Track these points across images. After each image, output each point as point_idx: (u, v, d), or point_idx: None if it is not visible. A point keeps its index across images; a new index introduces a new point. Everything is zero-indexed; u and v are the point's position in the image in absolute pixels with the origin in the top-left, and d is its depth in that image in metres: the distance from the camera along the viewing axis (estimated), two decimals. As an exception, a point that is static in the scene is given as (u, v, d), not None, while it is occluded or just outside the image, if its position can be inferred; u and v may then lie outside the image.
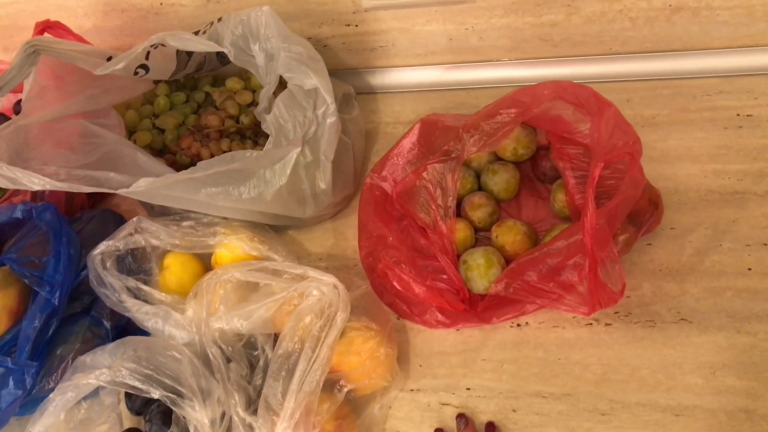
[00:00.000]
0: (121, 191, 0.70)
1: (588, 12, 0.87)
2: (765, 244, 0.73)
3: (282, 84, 0.78)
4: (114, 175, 0.71)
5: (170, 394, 0.63)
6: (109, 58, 0.79)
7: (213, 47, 0.76)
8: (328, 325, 0.63)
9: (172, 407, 0.63)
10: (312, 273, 0.66)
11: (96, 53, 0.78)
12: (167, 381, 0.63)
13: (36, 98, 0.74)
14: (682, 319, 0.70)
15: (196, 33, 0.81)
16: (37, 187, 0.67)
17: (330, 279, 0.65)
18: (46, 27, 0.81)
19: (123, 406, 0.73)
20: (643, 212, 0.74)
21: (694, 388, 0.66)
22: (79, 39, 0.86)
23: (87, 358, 0.69)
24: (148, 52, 0.79)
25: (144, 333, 0.76)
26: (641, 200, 0.74)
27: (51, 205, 0.77)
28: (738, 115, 0.84)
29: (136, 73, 0.80)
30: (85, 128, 0.78)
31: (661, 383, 0.67)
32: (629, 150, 0.65)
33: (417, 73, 0.99)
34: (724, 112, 0.85)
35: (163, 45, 0.78)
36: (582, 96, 0.72)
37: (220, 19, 0.79)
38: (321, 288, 0.65)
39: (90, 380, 0.64)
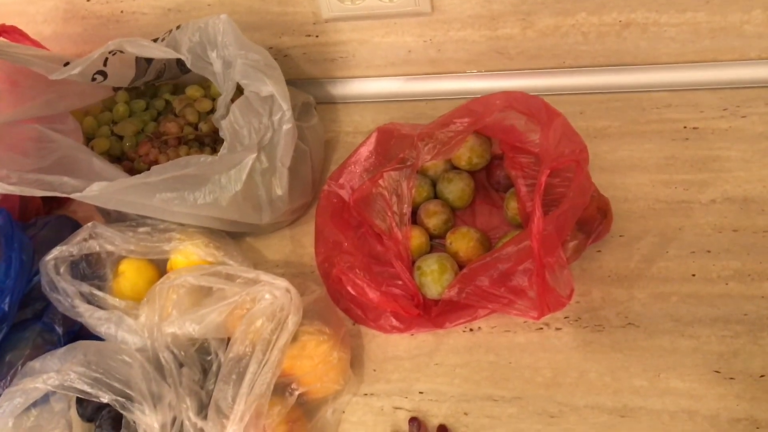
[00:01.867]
0: (74, 195, 0.69)
1: (542, 26, 0.89)
2: (708, 251, 0.76)
3: (240, 91, 0.78)
4: (67, 179, 0.71)
5: (120, 398, 0.62)
6: (66, 64, 0.79)
7: (170, 54, 0.76)
8: (279, 329, 0.63)
9: (122, 411, 0.62)
10: (264, 277, 0.67)
11: (53, 58, 0.78)
12: (117, 385, 0.63)
13: (-11, 102, 0.74)
14: (629, 323, 0.72)
15: (155, 40, 0.81)
16: (-14, 191, 0.67)
17: (282, 283, 0.66)
18: (1, 31, 0.81)
19: (74, 413, 0.72)
20: (592, 220, 0.76)
21: (640, 390, 0.68)
22: (36, 44, 0.86)
23: (36, 363, 0.68)
24: (106, 59, 0.79)
25: (97, 339, 0.75)
26: (590, 208, 0.76)
27: (2, 209, 0.76)
28: (685, 127, 0.87)
29: (93, 79, 0.81)
30: (40, 133, 0.78)
31: (608, 386, 0.68)
32: (575, 157, 0.67)
33: (377, 84, 1.00)
34: (672, 124, 0.88)
35: (121, 51, 0.79)
36: (533, 106, 0.74)
37: (178, 27, 0.80)
38: (273, 292, 0.65)
39: (37, 384, 0.63)
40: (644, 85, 0.92)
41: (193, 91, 0.93)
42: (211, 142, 0.89)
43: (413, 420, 0.68)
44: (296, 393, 0.65)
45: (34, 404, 0.68)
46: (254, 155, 0.73)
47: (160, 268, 0.80)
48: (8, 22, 0.87)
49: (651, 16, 0.86)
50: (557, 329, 0.73)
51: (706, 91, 0.90)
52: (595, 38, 0.90)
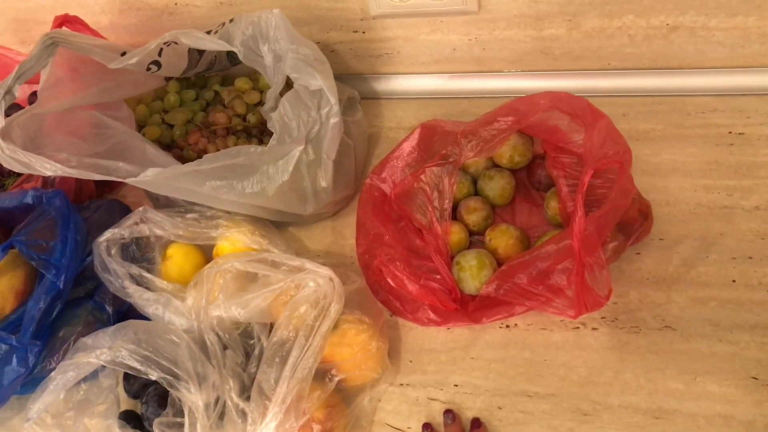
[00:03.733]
0: (129, 180, 0.72)
1: (588, 27, 0.89)
2: (750, 258, 0.75)
3: (288, 85, 0.80)
4: (123, 164, 0.74)
5: (167, 376, 0.65)
6: (124, 53, 0.82)
7: (224, 46, 0.79)
8: (322, 316, 0.65)
9: (169, 388, 0.65)
10: (309, 265, 0.69)
11: (111, 48, 0.81)
12: (165, 363, 0.65)
13: (51, 88, 0.77)
14: (666, 326, 0.73)
15: (208, 32, 0.84)
16: (49, 173, 0.70)
17: (326, 271, 0.68)
18: (64, 21, 0.84)
19: (121, 389, 0.76)
20: (632, 222, 0.76)
21: (675, 392, 0.68)
22: (96, 34, 0.89)
23: (88, 339, 0.71)
24: (161, 49, 0.82)
25: (144, 319, 0.78)
26: (631, 210, 0.76)
27: (60, 191, 0.80)
28: (730, 132, 0.86)
29: (148, 69, 0.83)
30: (97, 119, 0.81)
31: (643, 387, 0.69)
32: (619, 159, 0.68)
33: (420, 81, 1.01)
34: (716, 129, 0.87)
35: (175, 42, 0.81)
36: (577, 107, 0.74)
37: (231, 20, 0.82)
38: (317, 280, 0.67)
39: (91, 359, 0.66)
40: (689, 89, 0.92)
41: (241, 83, 0.95)
42: (258, 133, 0.91)
43: (448, 412, 0.70)
44: (336, 379, 0.67)
45: (84, 379, 0.71)
46: (302, 147, 0.75)
47: (207, 253, 0.83)
48: (68, 12, 0.90)
49: (700, 19, 0.86)
50: (593, 329, 0.74)
51: (753, 97, 0.89)
52: (642, 41, 0.90)
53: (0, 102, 0.67)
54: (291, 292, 0.68)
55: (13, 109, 0.90)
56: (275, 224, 0.86)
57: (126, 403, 0.76)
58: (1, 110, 0.67)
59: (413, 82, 1.02)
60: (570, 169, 0.78)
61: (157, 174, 0.71)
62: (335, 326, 0.68)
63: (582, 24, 0.89)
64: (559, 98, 0.75)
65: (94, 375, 0.73)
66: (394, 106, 1.02)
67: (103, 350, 0.66)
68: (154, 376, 0.65)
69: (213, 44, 0.79)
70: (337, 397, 0.68)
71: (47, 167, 0.70)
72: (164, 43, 0.81)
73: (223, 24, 0.83)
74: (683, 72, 0.92)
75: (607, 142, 0.69)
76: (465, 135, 0.78)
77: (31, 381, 0.75)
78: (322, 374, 0.67)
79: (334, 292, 0.66)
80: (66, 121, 0.78)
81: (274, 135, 0.75)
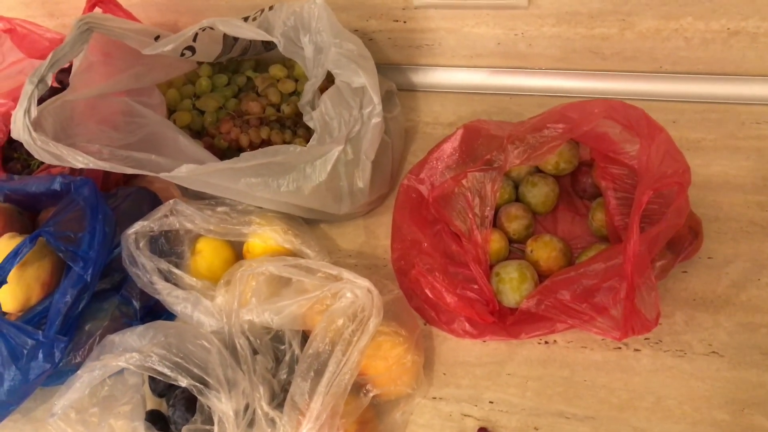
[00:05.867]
0: (162, 175, 0.70)
1: (642, 28, 0.85)
2: (805, 283, 0.72)
3: (327, 78, 0.77)
4: (156, 157, 0.71)
5: (197, 384, 0.63)
6: (157, 37, 0.79)
7: (263, 36, 0.75)
8: (360, 330, 0.62)
9: (198, 396, 0.63)
10: (346, 275, 0.66)
11: (145, 32, 0.78)
12: (195, 370, 0.63)
13: (84, 73, 0.74)
14: (713, 351, 0.70)
15: (246, 19, 0.80)
16: (80, 165, 0.67)
17: (364, 283, 0.65)
18: (97, 1, 0.81)
19: (146, 387, 0.74)
20: (682, 239, 0.73)
21: (721, 424, 0.65)
22: (129, 15, 0.86)
23: (116, 337, 0.69)
24: (196, 34, 0.78)
25: (170, 315, 0.76)
26: (682, 227, 0.72)
27: (89, 180, 0.77)
28: (788, 146, 0.82)
29: (182, 54, 0.80)
30: (129, 107, 0.78)
31: (688, 416, 0.66)
32: (679, 179, 0.64)
33: (461, 75, 0.97)
34: (773, 142, 0.83)
35: (211, 28, 0.78)
36: (633, 117, 0.71)
37: (271, 8, 0.78)
38: (355, 291, 0.65)
39: (119, 362, 0.64)
40: (746, 98, 0.87)
41: (276, 71, 0.92)
42: (292, 124, 0.88)
43: (482, 430, 0.68)
44: (370, 395, 0.65)
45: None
46: (341, 147, 0.72)
47: (236, 249, 0.81)
48: (100, -11, 0.87)
49: (763, 25, 0.81)
50: (636, 350, 0.71)
51: (814, 109, 0.85)
52: (698, 44, 0.85)
53: (33, 91, 0.64)
54: (327, 302, 0.66)
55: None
56: (306, 221, 0.83)
57: (151, 401, 0.74)
58: (33, 100, 0.64)
59: (453, 76, 0.98)
60: (620, 181, 0.74)
61: (191, 171, 0.69)
62: (370, 337, 0.66)
63: (636, 24, 0.85)
64: (614, 107, 0.71)
65: (119, 370, 0.71)
66: (431, 99, 0.98)
67: (133, 354, 0.64)
68: (183, 383, 0.63)
69: (252, 34, 0.75)
70: (371, 412, 0.66)
71: (79, 159, 0.67)
72: (200, 29, 0.77)
73: (262, 11, 0.80)
74: (740, 79, 0.87)
75: (666, 159, 0.66)
76: (512, 140, 0.74)
77: (56, 374, 0.74)
78: (356, 388, 0.65)
79: (372, 305, 0.64)
80: (97, 108, 0.75)
81: (314, 135, 0.72)
